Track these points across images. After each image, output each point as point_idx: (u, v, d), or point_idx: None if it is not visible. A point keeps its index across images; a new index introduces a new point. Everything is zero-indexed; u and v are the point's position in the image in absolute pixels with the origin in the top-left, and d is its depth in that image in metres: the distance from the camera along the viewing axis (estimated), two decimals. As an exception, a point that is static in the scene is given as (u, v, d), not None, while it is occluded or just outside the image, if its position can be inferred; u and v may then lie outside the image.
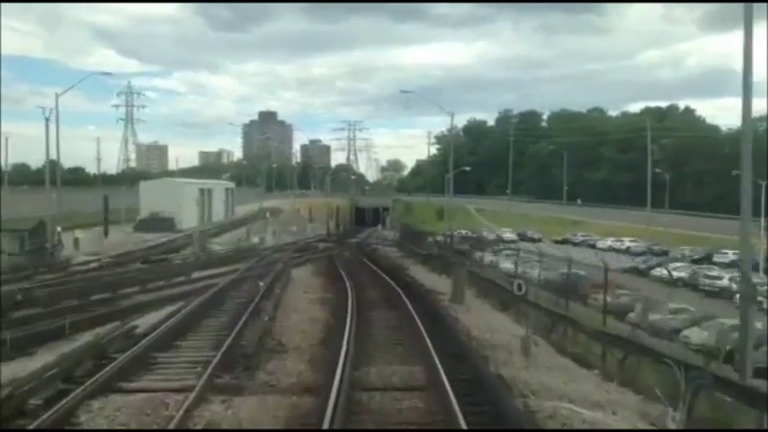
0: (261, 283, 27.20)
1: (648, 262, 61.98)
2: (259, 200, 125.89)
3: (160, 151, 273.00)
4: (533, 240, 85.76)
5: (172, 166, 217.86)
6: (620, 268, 64.82)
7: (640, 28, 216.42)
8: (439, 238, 73.86)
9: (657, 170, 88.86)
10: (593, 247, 79.04)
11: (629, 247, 75.60)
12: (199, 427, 9.62)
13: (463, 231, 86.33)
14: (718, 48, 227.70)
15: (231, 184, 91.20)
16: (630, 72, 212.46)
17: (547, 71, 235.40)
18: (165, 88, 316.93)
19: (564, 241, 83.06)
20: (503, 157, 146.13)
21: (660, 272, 58.18)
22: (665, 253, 71.52)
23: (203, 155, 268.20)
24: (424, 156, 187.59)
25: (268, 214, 79.45)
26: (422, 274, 35.92)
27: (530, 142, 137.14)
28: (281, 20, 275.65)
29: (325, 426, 9.06)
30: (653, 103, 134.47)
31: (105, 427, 9.59)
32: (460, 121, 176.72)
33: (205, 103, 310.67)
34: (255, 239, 61.34)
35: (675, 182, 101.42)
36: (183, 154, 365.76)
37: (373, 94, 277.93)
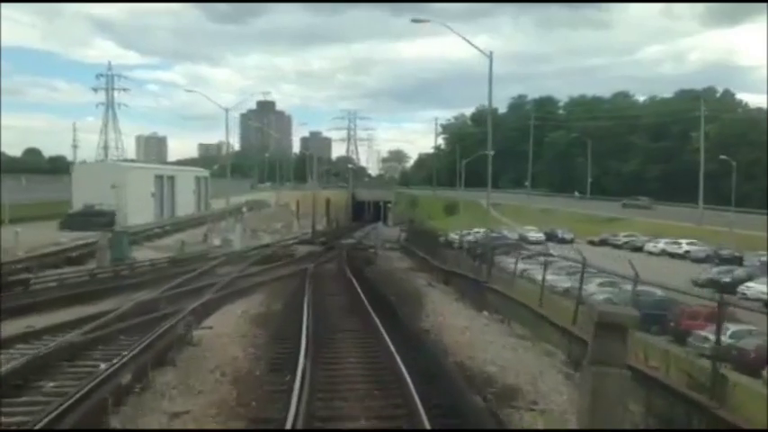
0: (102, 366, 11.52)
1: (734, 273, 46.01)
2: (252, 191, 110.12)
3: (159, 143, 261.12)
4: (564, 241, 69.90)
5: (171, 157, 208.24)
6: (691, 281, 49.26)
7: (642, 23, 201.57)
8: (452, 239, 57.98)
9: (723, 157, 72.45)
10: (639, 249, 63.18)
11: (688, 251, 59.60)
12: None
13: (481, 230, 70.38)
14: (720, 43, 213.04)
15: (204, 172, 75.01)
16: (633, 67, 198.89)
17: (549, 66, 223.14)
18: (167, 81, 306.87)
19: (602, 242, 67.24)
20: (517, 148, 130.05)
21: (758, 289, 42.31)
22: (738, 260, 55.42)
23: (203, 147, 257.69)
24: (426, 150, 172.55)
25: (244, 209, 63.61)
26: (453, 317, 19.93)
27: (547, 130, 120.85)
28: (281, 12, 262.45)
29: None
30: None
31: None
32: (468, 111, 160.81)
33: (205, 95, 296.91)
34: (216, 242, 45.43)
35: (721, 173, 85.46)
36: (183, 146, 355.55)
37: (373, 87, 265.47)
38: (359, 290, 22.93)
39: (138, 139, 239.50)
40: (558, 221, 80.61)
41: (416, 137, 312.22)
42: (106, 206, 49.48)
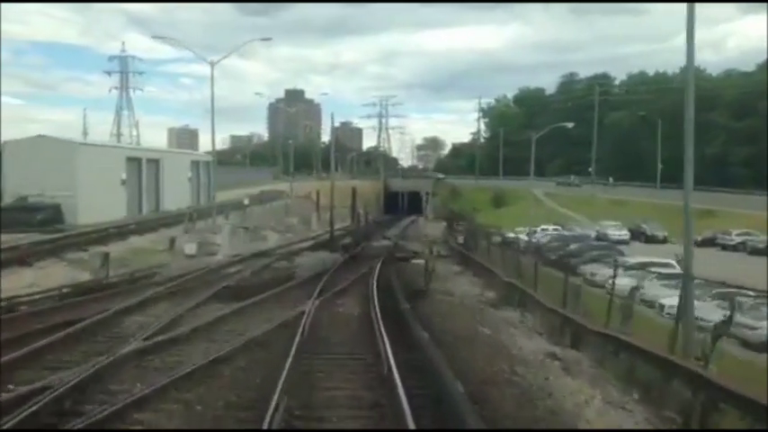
0: None
1: None
2: (274, 182, 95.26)
3: (191, 135, 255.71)
4: (655, 240, 53.92)
5: (202, 149, 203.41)
6: None
7: (677, 9, 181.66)
8: (512, 238, 42.83)
9: None
10: (761, 252, 46.88)
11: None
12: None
13: (550, 227, 54.67)
14: (759, 30, 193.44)
15: (206, 157, 59.98)
16: (669, 54, 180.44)
17: (583, 54, 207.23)
18: (200, 74, 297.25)
19: (706, 242, 51.08)
20: (567, 131, 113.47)
21: None
22: None
23: (234, 138, 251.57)
24: (459, 139, 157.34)
25: (247, 201, 48.79)
26: None
27: (605, 110, 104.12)
28: (310, 4, 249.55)
29: None
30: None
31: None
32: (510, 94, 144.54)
33: (236, 88, 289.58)
34: (189, 249, 30.54)
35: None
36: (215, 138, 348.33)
37: (404, 78, 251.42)
38: (407, 414, 7.79)
39: (170, 131, 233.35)
40: (635, 214, 64.35)
41: (447, 127, 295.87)
42: (49, 197, 35.10)
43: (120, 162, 41.48)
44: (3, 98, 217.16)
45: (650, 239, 53.33)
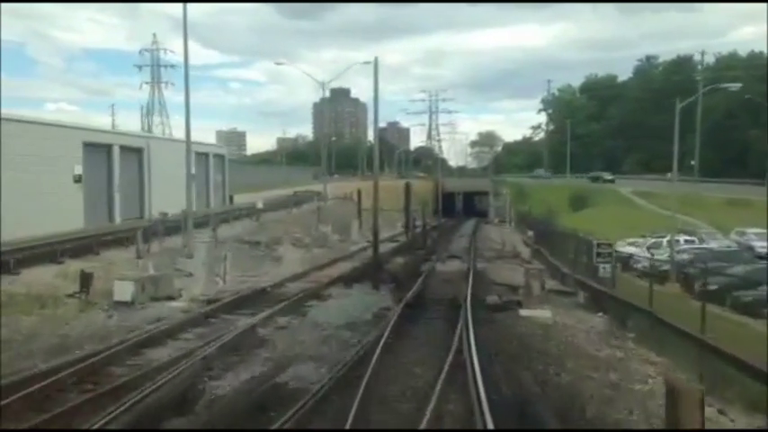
0: None
1: None
2: (313, 182, 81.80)
3: (239, 137, 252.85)
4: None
5: (250, 151, 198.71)
6: None
7: (731, 4, 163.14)
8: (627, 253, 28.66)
9: None
10: None
11: None
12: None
13: (681, 238, 39.20)
14: None
15: (219, 149, 46.40)
16: (727, 47, 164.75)
17: (633, 51, 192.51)
18: (247, 78, 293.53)
19: None
20: (646, 122, 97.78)
21: None
22: None
23: (281, 141, 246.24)
24: (510, 138, 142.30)
25: (260, 204, 35.16)
26: None
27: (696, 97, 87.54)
28: (353, 5, 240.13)
29: None
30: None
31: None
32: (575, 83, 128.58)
33: (284, 91, 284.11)
34: (122, 291, 16.70)
35: None
36: (262, 141, 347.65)
37: (450, 79, 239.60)
38: None
39: (219, 133, 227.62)
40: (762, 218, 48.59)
41: (495, 128, 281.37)
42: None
43: (71, 148, 28.22)
44: (59, 104, 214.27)
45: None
